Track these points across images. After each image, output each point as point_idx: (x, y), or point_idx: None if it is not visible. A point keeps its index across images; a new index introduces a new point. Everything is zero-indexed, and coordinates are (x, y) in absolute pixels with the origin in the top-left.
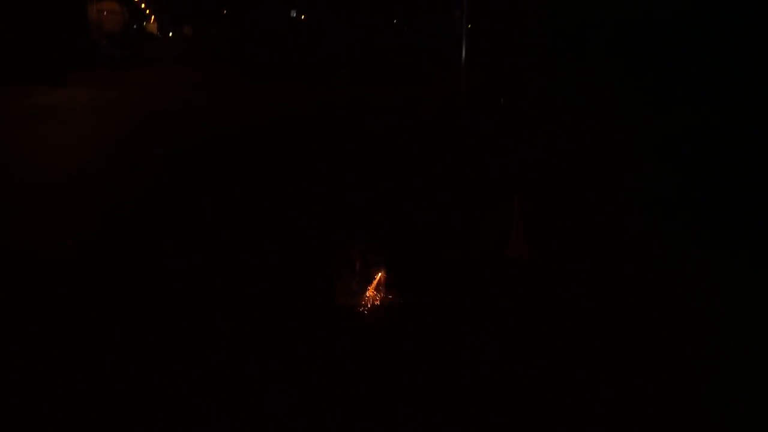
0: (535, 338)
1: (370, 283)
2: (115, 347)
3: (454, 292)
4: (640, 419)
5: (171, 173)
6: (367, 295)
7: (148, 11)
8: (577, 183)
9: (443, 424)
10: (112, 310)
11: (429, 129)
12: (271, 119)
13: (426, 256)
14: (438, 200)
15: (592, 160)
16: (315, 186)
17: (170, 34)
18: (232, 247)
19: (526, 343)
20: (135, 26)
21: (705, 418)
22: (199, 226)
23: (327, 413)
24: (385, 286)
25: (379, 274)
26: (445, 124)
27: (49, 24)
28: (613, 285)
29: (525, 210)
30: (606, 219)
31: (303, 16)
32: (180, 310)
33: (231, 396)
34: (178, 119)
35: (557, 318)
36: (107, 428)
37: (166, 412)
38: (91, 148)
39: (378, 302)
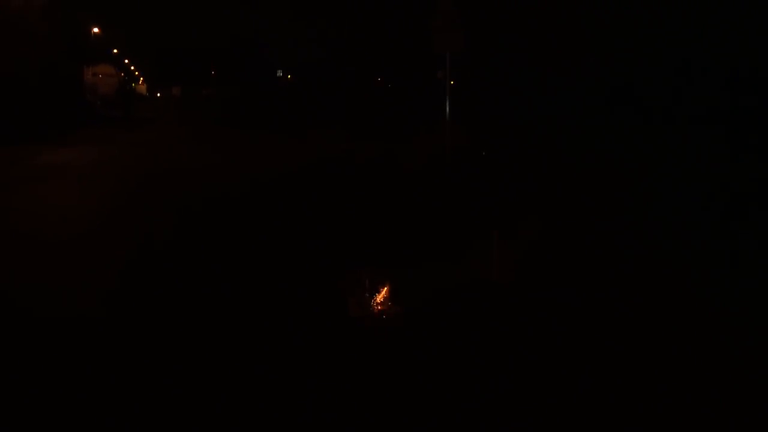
0: (514, 345)
1: (376, 298)
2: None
3: (445, 305)
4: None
5: (193, 219)
6: (373, 307)
7: (137, 73)
8: (550, 218)
9: (442, 415)
10: (141, 344)
11: (418, 178)
12: (272, 174)
13: (421, 278)
14: (429, 236)
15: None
16: (324, 226)
17: (158, 94)
18: (258, 275)
19: (506, 348)
20: (128, 88)
21: None
22: (225, 258)
23: (342, 406)
24: (388, 301)
25: (383, 291)
26: (433, 174)
27: (50, 87)
28: (582, 304)
29: (503, 241)
30: (577, 246)
31: (289, 76)
32: (215, 322)
33: (257, 395)
34: (184, 175)
35: (532, 327)
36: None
37: (194, 413)
38: (110, 200)
39: (383, 313)
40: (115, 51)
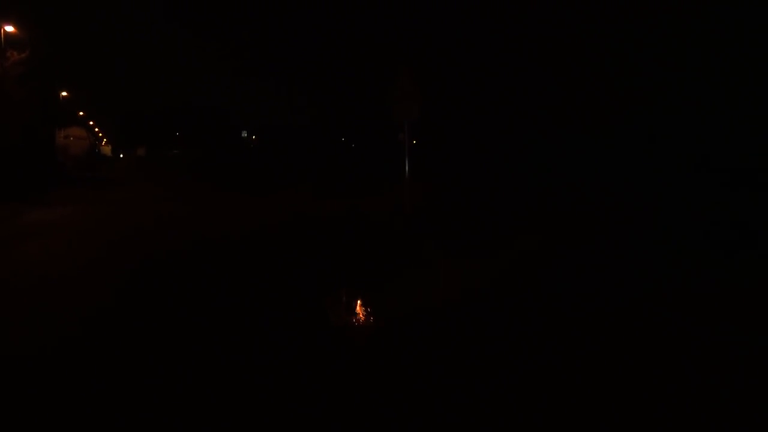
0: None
1: (351, 311)
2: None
3: (404, 317)
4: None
5: (181, 263)
6: (350, 318)
7: (100, 134)
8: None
9: (407, 392)
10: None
11: (381, 228)
12: (246, 228)
13: (385, 298)
14: (390, 268)
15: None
16: (301, 265)
17: (121, 155)
18: (251, 298)
19: (447, 346)
20: (97, 150)
21: None
22: (219, 289)
23: (330, 397)
24: (360, 313)
25: (357, 306)
26: (393, 224)
27: (26, 150)
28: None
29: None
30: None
31: (254, 137)
32: (216, 335)
33: (255, 394)
34: (163, 229)
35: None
36: None
37: (195, 409)
38: (95, 253)
39: (357, 322)
40: (81, 113)
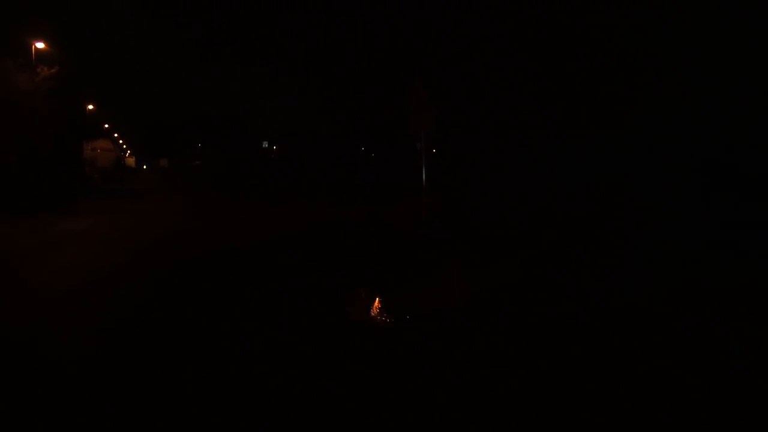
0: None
1: (370, 308)
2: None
3: (419, 316)
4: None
5: (210, 265)
6: (368, 314)
7: (125, 146)
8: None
9: (417, 383)
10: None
11: (400, 234)
12: (274, 233)
13: (401, 296)
14: (408, 270)
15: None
16: (326, 267)
17: (144, 166)
18: (276, 295)
19: (461, 344)
20: (122, 162)
21: None
22: (247, 288)
23: (347, 386)
24: (378, 309)
25: (375, 303)
26: (412, 230)
27: (56, 162)
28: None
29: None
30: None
31: (275, 146)
32: (245, 325)
33: (284, 370)
34: (190, 235)
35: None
36: None
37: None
38: (130, 257)
39: (374, 318)
40: (106, 126)
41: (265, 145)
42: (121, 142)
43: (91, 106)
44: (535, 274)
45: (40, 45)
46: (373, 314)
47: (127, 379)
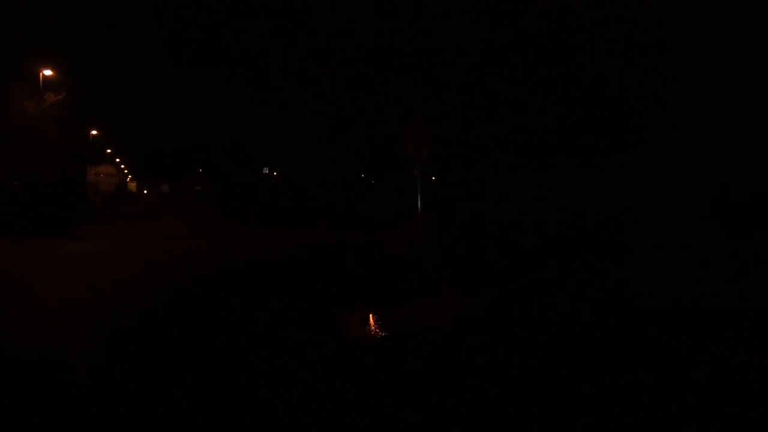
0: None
1: (366, 324)
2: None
3: (412, 332)
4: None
5: (213, 285)
6: (365, 330)
7: (125, 171)
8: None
9: (413, 392)
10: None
11: (397, 257)
12: (275, 255)
13: (395, 314)
14: (402, 290)
15: None
16: (325, 286)
17: (144, 191)
18: (274, 312)
19: (452, 358)
20: (125, 187)
21: None
22: (248, 305)
23: (346, 395)
24: (374, 326)
25: (371, 320)
26: (408, 254)
27: (61, 187)
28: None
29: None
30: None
31: (275, 173)
32: (246, 341)
33: (282, 384)
34: (192, 259)
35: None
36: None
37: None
38: (138, 278)
39: (371, 334)
40: (109, 151)
41: (266, 171)
42: (122, 166)
43: (94, 132)
44: (520, 298)
45: (47, 72)
46: (367, 330)
47: (143, 379)
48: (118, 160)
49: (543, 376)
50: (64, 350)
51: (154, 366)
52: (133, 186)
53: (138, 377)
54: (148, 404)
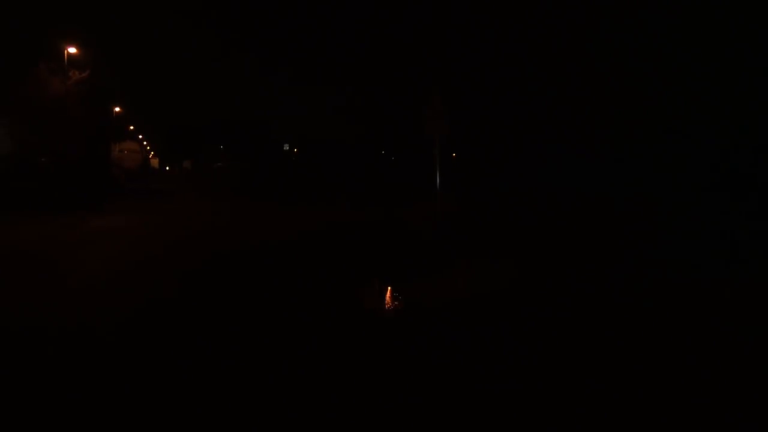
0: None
1: (383, 298)
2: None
3: (428, 305)
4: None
5: (237, 258)
6: (381, 303)
7: (148, 148)
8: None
9: (425, 363)
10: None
11: (416, 233)
12: (296, 232)
13: (412, 288)
14: (420, 265)
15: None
16: (346, 259)
17: (167, 168)
18: (297, 286)
19: (465, 330)
20: (148, 164)
21: None
22: (274, 279)
23: (362, 364)
24: (390, 298)
25: (387, 294)
26: (427, 230)
27: (86, 163)
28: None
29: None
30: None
31: (295, 150)
32: (271, 312)
33: (307, 348)
34: (217, 234)
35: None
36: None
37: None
38: (165, 250)
39: (387, 305)
40: (131, 128)
41: (286, 147)
42: (145, 143)
43: (117, 108)
44: (538, 272)
45: (72, 50)
46: (385, 303)
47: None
48: (140, 136)
49: (550, 352)
50: (106, 315)
51: (191, 326)
52: (155, 162)
53: (182, 335)
54: (194, 352)
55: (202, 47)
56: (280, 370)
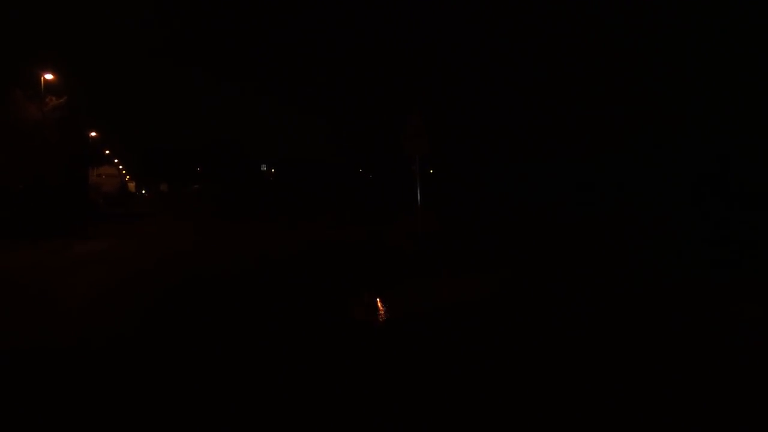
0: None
1: (371, 309)
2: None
3: (411, 316)
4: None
5: (220, 278)
6: (369, 314)
7: (124, 171)
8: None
9: (414, 364)
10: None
11: (396, 250)
12: (278, 252)
13: (397, 300)
14: (403, 278)
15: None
16: (331, 277)
17: (143, 191)
18: (287, 301)
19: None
20: (126, 188)
21: None
22: (260, 295)
23: (352, 374)
24: (378, 310)
25: (377, 304)
26: (406, 248)
27: (65, 188)
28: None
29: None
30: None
31: (272, 170)
32: (259, 326)
33: (298, 358)
34: (199, 256)
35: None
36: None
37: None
38: (150, 273)
39: (375, 317)
40: (107, 152)
41: (264, 168)
42: (120, 167)
43: (93, 133)
44: (514, 286)
45: (48, 76)
46: (373, 313)
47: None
48: (116, 160)
49: (534, 352)
50: (105, 332)
51: (182, 342)
52: (132, 186)
53: (173, 347)
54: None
55: (175, 72)
56: (277, 371)
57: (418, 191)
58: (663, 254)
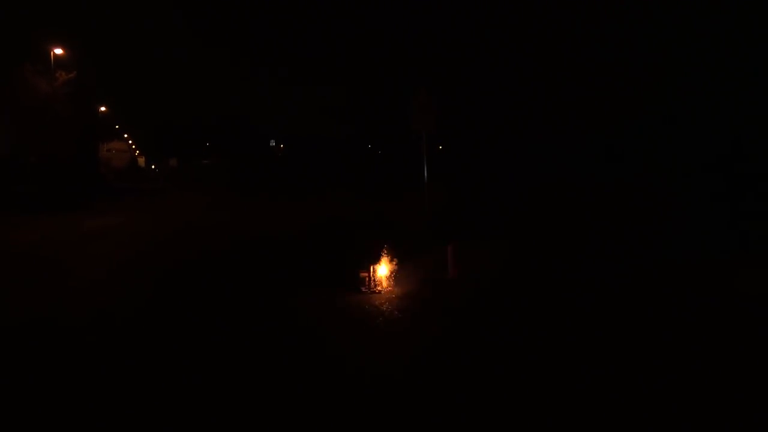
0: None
1: (376, 282)
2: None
3: (417, 288)
4: None
5: (234, 252)
6: (375, 287)
7: (134, 146)
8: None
9: (400, 336)
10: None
11: (405, 225)
12: (288, 227)
13: (400, 274)
14: (410, 253)
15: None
16: (337, 252)
17: (153, 166)
18: (299, 272)
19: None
20: (136, 162)
21: None
22: (276, 266)
23: (345, 355)
24: (383, 284)
25: (381, 278)
26: (414, 221)
27: (75, 163)
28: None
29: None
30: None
31: (281, 145)
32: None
33: (300, 331)
34: (210, 230)
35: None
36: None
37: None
38: (160, 244)
39: (380, 289)
40: (117, 127)
41: (273, 143)
42: (130, 142)
43: (103, 108)
44: (521, 257)
45: (58, 51)
46: (383, 285)
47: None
48: (126, 135)
49: (526, 325)
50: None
51: (195, 313)
52: (141, 161)
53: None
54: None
55: (187, 45)
56: (293, 330)
57: (426, 169)
58: (670, 233)
